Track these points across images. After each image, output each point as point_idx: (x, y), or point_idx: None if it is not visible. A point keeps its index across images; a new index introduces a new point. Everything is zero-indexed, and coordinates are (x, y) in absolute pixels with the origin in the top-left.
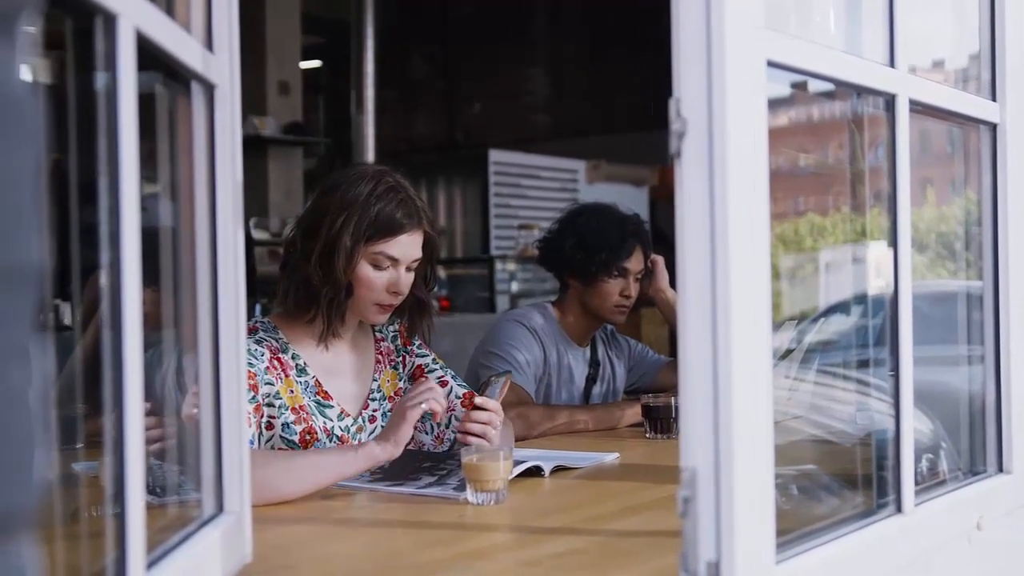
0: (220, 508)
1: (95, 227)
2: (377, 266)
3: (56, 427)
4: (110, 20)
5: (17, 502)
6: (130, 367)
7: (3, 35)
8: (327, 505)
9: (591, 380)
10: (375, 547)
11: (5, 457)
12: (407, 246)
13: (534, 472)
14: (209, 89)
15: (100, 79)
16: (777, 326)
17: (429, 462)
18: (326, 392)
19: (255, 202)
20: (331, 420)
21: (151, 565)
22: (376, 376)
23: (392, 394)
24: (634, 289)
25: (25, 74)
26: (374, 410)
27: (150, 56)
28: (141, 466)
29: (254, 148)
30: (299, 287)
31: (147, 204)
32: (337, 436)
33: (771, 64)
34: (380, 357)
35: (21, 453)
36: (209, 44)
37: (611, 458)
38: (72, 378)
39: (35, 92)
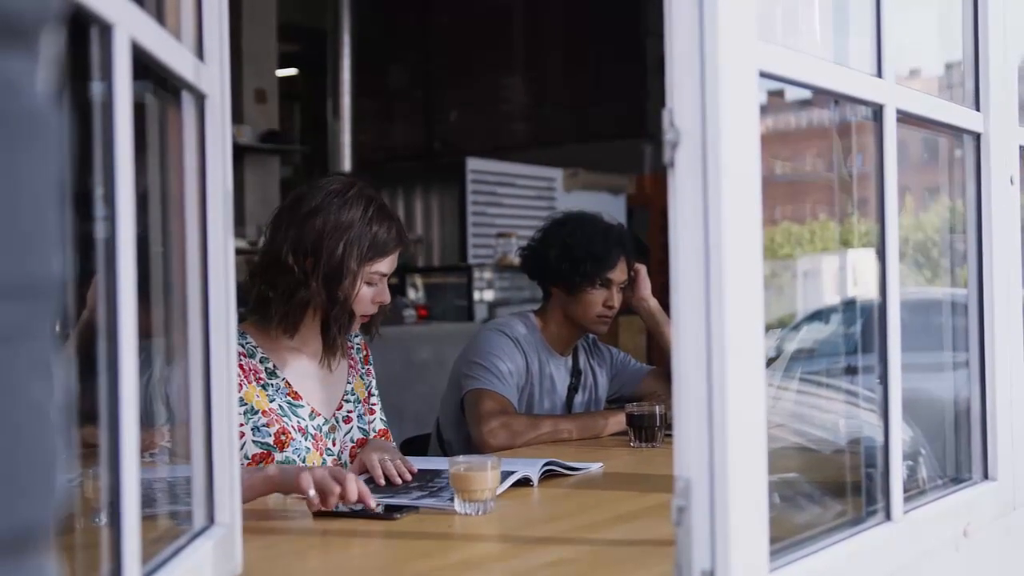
0: (211, 520)
1: (83, 236)
2: (369, 283)
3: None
4: (106, 30)
5: (42, 516)
6: (125, 378)
7: (25, 49)
8: (315, 517)
9: (573, 389)
10: (365, 559)
11: (30, 471)
12: (394, 261)
13: (522, 482)
14: (200, 99)
15: (95, 88)
16: None
17: (418, 480)
18: (296, 392)
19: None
20: (303, 419)
21: None
22: (350, 379)
23: (363, 399)
24: (617, 299)
25: (46, 87)
26: (348, 411)
27: (141, 65)
28: (137, 478)
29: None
30: (300, 308)
31: (136, 214)
32: (311, 435)
33: (763, 75)
34: (352, 363)
35: (44, 467)
36: (200, 54)
37: (596, 467)
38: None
39: (56, 105)
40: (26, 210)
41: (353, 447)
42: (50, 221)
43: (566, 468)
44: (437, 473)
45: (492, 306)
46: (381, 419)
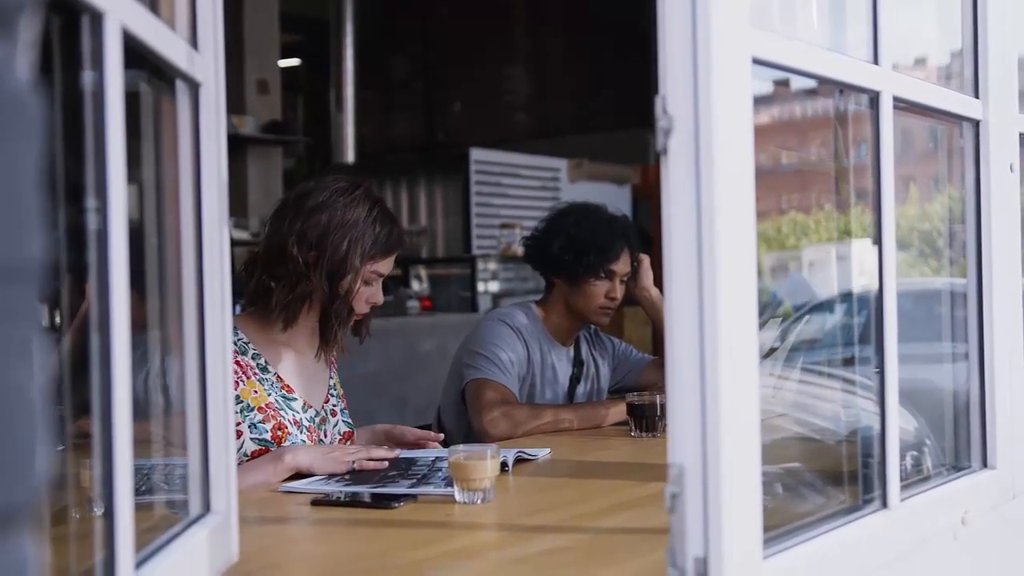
0: (207, 508)
1: (78, 227)
2: (367, 282)
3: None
4: (97, 18)
5: (21, 497)
6: (118, 368)
7: (3, 34)
8: (312, 506)
9: (575, 379)
10: (362, 547)
11: (10, 453)
12: (392, 263)
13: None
14: (194, 88)
15: (86, 77)
16: (761, 324)
17: (395, 471)
18: (288, 386)
19: (234, 202)
20: (297, 412)
21: (139, 565)
22: (332, 375)
23: (341, 395)
24: (619, 291)
25: (25, 72)
26: (333, 405)
27: (134, 54)
28: (129, 467)
29: (233, 147)
30: (300, 300)
31: (129, 204)
32: (305, 427)
33: (756, 61)
34: (333, 360)
35: (25, 449)
36: (194, 42)
37: (543, 453)
38: (54, 379)
39: (36, 90)
40: (5, 194)
41: (340, 439)
42: (30, 205)
43: (527, 455)
44: (412, 461)
45: (496, 297)
46: (346, 422)
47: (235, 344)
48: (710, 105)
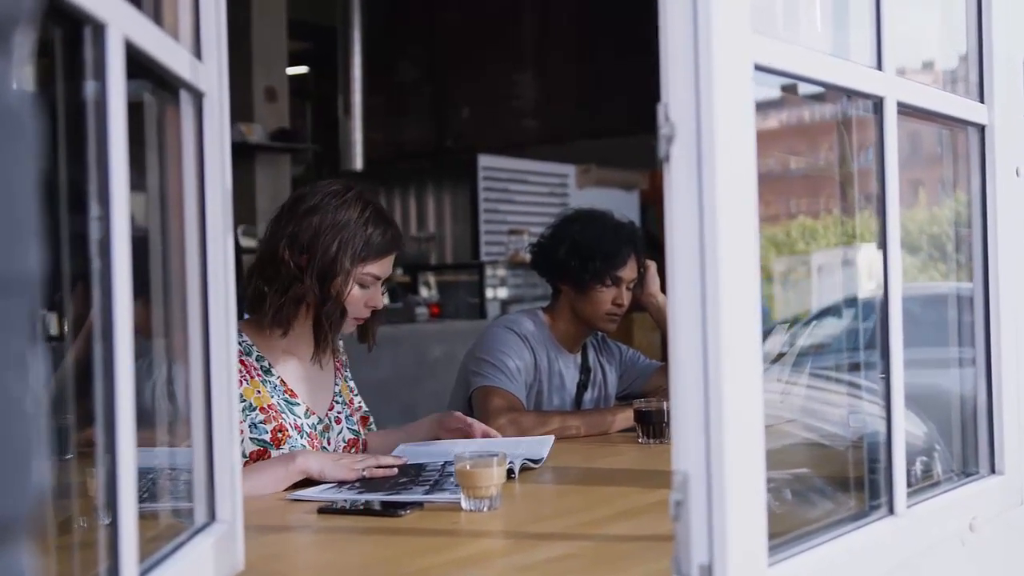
0: (212, 517)
1: (83, 237)
2: (362, 285)
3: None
4: (99, 29)
5: (16, 509)
6: (121, 377)
7: (0, 46)
8: (319, 514)
9: (582, 386)
10: (368, 555)
11: (5, 465)
12: (390, 265)
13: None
14: (198, 97)
15: (89, 87)
16: (769, 329)
17: (405, 478)
18: (292, 391)
19: (243, 210)
20: (299, 417)
21: (144, 574)
22: (337, 382)
23: (348, 401)
24: (626, 297)
25: (22, 84)
26: (338, 412)
27: (138, 64)
28: (133, 476)
29: (241, 155)
30: (293, 303)
31: (135, 213)
32: (306, 433)
33: (758, 68)
34: (338, 366)
35: (20, 460)
36: (197, 52)
37: (548, 443)
38: (61, 388)
39: (32, 102)
40: (3, 206)
41: (345, 447)
42: (26, 218)
43: (531, 463)
44: (422, 467)
45: (504, 303)
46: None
47: (240, 345)
48: (712, 111)
